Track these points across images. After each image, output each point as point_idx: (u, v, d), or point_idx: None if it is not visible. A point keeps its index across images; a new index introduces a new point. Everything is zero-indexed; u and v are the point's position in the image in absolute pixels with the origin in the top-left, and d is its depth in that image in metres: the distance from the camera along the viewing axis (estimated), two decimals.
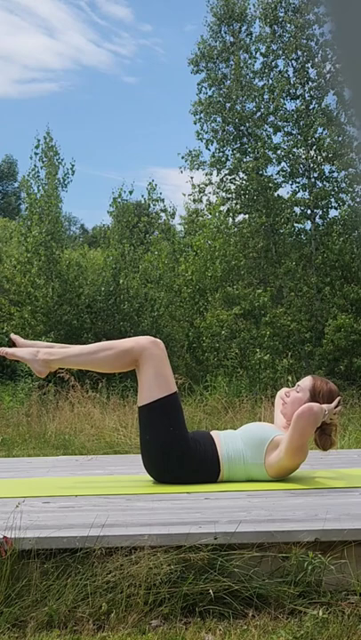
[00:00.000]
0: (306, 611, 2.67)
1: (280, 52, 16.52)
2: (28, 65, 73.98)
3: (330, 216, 16.51)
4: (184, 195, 19.24)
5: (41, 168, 16.52)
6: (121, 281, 16.02)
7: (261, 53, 16.67)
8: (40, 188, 16.50)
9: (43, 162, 16.53)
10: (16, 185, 44.36)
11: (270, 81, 16.57)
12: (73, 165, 16.72)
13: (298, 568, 2.78)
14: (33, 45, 70.73)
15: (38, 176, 16.53)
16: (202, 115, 16.89)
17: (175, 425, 4.04)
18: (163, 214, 19.72)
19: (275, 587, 2.74)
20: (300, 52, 16.29)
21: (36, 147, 16.51)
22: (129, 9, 71.06)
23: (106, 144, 75.99)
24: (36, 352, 4.26)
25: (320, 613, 2.62)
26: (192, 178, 17.59)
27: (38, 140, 16.55)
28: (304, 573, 2.77)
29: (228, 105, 16.59)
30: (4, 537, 2.72)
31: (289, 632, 2.53)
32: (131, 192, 18.06)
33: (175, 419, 4.07)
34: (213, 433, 4.18)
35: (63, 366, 4.36)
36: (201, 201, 17.94)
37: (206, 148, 17.01)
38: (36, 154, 16.53)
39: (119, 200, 17.78)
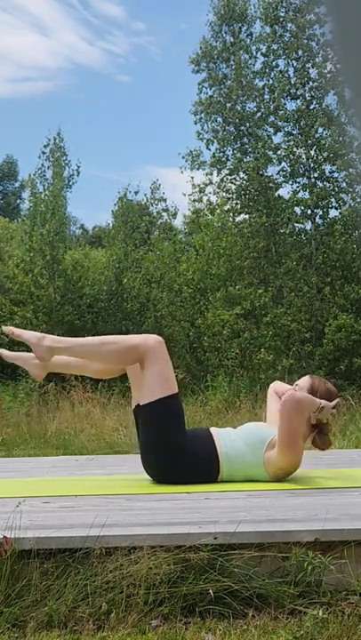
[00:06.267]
0: (306, 611, 2.66)
1: (281, 52, 16.52)
2: (22, 63, 73.79)
3: (330, 216, 16.51)
4: (184, 195, 19.25)
5: (48, 168, 16.50)
6: (125, 280, 16.01)
7: (262, 53, 16.66)
8: (45, 187, 16.49)
9: (50, 161, 16.50)
10: (16, 185, 44.29)
11: (271, 81, 16.56)
12: (79, 167, 16.72)
13: (298, 568, 2.78)
14: (26, 44, 70.63)
15: (44, 175, 16.51)
16: (202, 115, 16.89)
17: (175, 425, 4.04)
18: (164, 214, 19.73)
19: (275, 587, 2.74)
20: (300, 52, 16.28)
21: (45, 146, 16.48)
22: (121, 7, 70.96)
23: (102, 143, 75.86)
24: (42, 337, 4.23)
25: (320, 613, 2.62)
26: (192, 178, 17.61)
27: (48, 140, 16.53)
28: (304, 573, 2.76)
29: (228, 105, 16.59)
30: (4, 537, 2.72)
31: (289, 632, 2.53)
32: (136, 192, 18.14)
33: (176, 419, 4.06)
34: (213, 430, 4.17)
35: (67, 355, 4.30)
36: (201, 201, 17.95)
37: (207, 147, 17.02)
38: (43, 153, 16.50)
39: (125, 199, 17.85)
